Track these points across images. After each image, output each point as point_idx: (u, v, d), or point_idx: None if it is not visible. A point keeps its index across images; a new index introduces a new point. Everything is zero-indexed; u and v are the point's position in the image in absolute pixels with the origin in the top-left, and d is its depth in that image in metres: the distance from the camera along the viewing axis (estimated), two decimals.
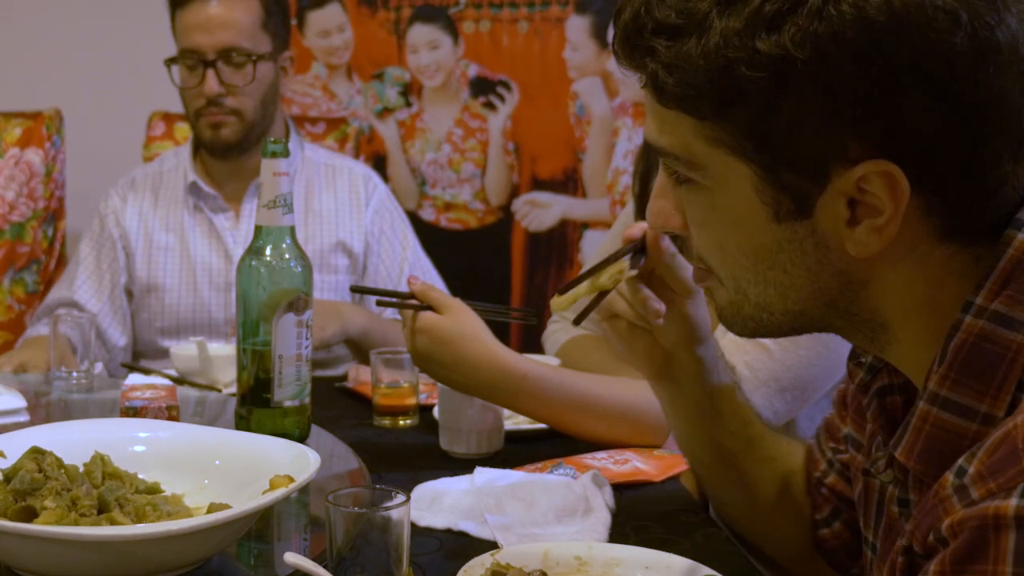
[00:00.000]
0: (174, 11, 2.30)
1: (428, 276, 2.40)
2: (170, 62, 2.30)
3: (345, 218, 2.37)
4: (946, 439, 0.84)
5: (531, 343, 2.66)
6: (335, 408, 1.85)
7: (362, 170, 2.47)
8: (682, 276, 1.25)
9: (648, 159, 1.87)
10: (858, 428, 1.08)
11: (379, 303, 1.68)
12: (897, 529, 0.94)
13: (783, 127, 0.82)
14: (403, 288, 2.23)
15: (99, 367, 1.95)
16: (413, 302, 1.54)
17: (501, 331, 1.58)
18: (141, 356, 2.38)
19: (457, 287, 2.34)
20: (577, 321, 1.25)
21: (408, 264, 2.37)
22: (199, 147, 2.40)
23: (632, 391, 1.57)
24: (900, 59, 0.79)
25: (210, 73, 2.24)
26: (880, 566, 1.00)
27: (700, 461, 1.33)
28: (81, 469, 1.17)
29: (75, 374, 1.87)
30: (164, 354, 2.14)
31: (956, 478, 0.79)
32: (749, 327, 0.95)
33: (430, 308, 1.52)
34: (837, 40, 0.79)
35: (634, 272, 1.24)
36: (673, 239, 0.97)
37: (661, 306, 1.25)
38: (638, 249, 1.25)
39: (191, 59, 2.26)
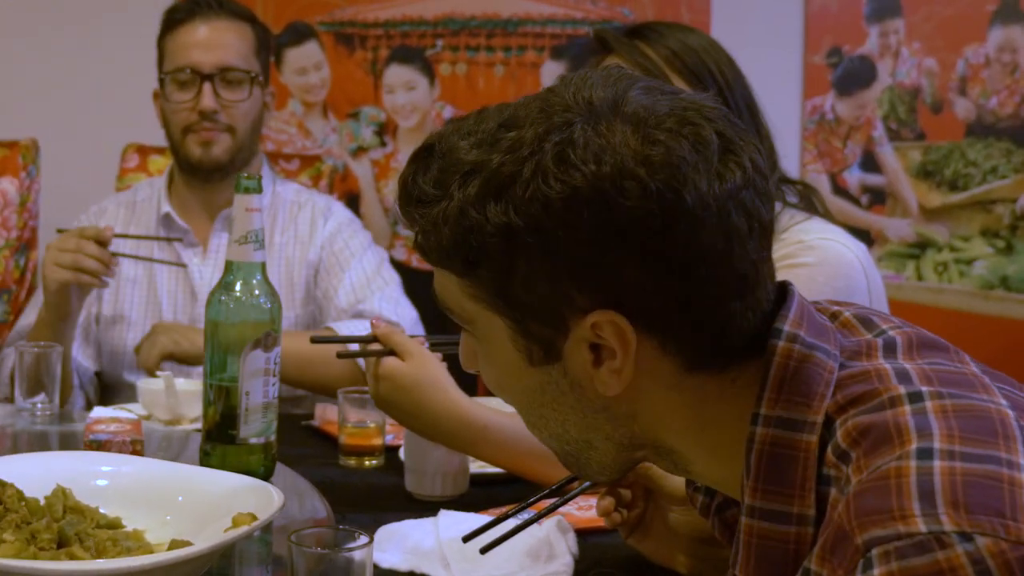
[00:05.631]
0: (166, 33, 2.30)
1: (391, 294, 2.35)
2: (163, 77, 2.28)
3: (301, 252, 2.34)
4: (773, 547, 0.89)
5: None
6: (301, 446, 1.84)
7: (324, 202, 2.42)
8: (664, 484, 1.27)
9: None
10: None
11: (339, 355, 1.65)
12: None
13: (519, 284, 0.90)
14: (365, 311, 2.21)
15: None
16: (376, 347, 1.53)
17: None
18: (106, 388, 2.36)
19: (427, 328, 2.32)
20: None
21: (364, 283, 2.31)
22: (174, 179, 2.39)
23: None
24: (603, 224, 0.86)
25: (207, 88, 2.24)
26: None
27: None
28: (42, 502, 1.17)
29: (40, 406, 1.85)
30: (130, 388, 2.12)
31: None
32: (581, 469, 1.01)
33: (392, 353, 1.52)
34: (548, 209, 0.87)
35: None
36: None
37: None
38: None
39: (186, 75, 2.25)
